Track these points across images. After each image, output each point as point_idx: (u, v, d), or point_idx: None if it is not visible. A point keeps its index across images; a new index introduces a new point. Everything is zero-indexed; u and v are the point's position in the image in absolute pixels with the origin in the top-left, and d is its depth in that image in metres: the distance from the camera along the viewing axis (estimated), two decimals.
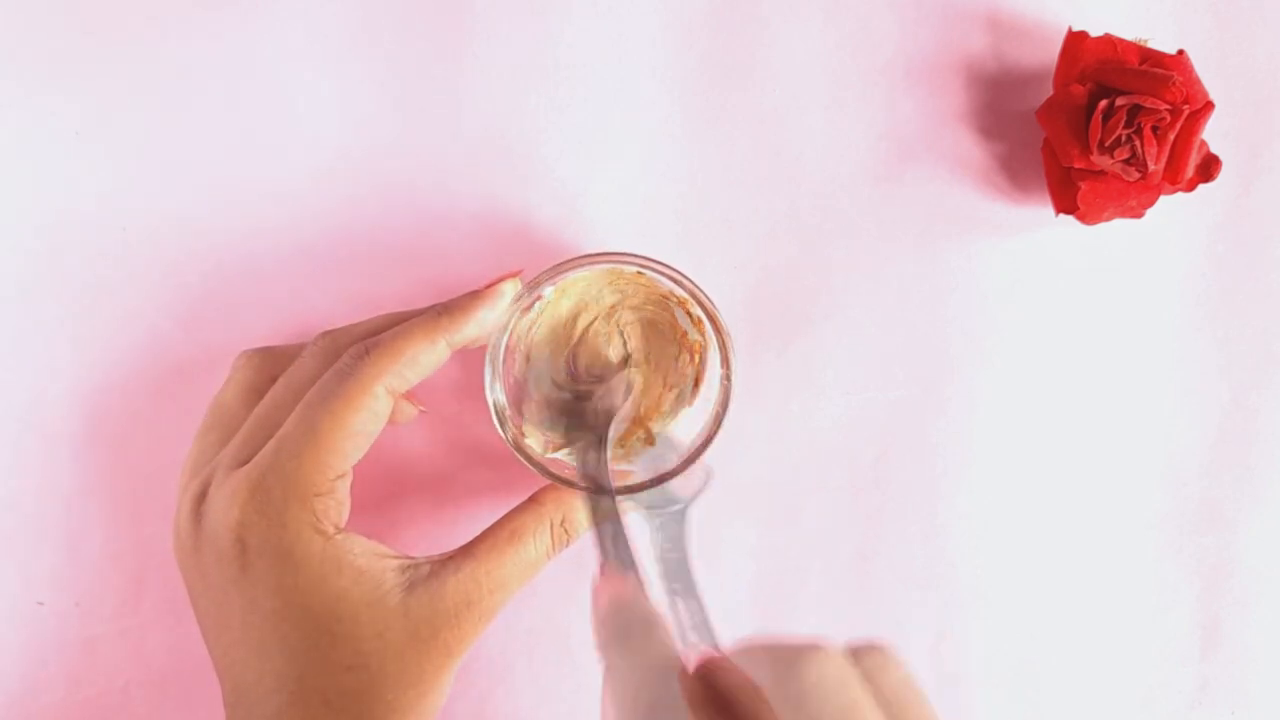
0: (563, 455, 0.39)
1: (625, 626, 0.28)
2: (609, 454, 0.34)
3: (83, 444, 0.41)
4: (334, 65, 0.42)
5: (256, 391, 0.36)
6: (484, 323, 0.35)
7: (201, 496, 0.34)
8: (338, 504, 0.33)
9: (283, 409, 0.34)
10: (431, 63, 0.42)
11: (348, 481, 0.34)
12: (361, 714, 0.32)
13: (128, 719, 0.42)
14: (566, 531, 0.36)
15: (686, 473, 0.35)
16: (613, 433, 0.35)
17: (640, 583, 0.30)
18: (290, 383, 0.35)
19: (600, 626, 0.29)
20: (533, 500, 0.36)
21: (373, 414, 0.33)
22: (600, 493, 0.34)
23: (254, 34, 0.42)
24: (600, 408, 0.35)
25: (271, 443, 0.33)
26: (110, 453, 0.42)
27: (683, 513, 0.34)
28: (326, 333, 0.37)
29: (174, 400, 0.41)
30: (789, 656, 0.23)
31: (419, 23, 0.42)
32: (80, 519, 0.41)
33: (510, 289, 0.36)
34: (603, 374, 0.38)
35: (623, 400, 0.36)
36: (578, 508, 0.36)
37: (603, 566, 0.32)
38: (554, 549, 0.36)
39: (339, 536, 0.33)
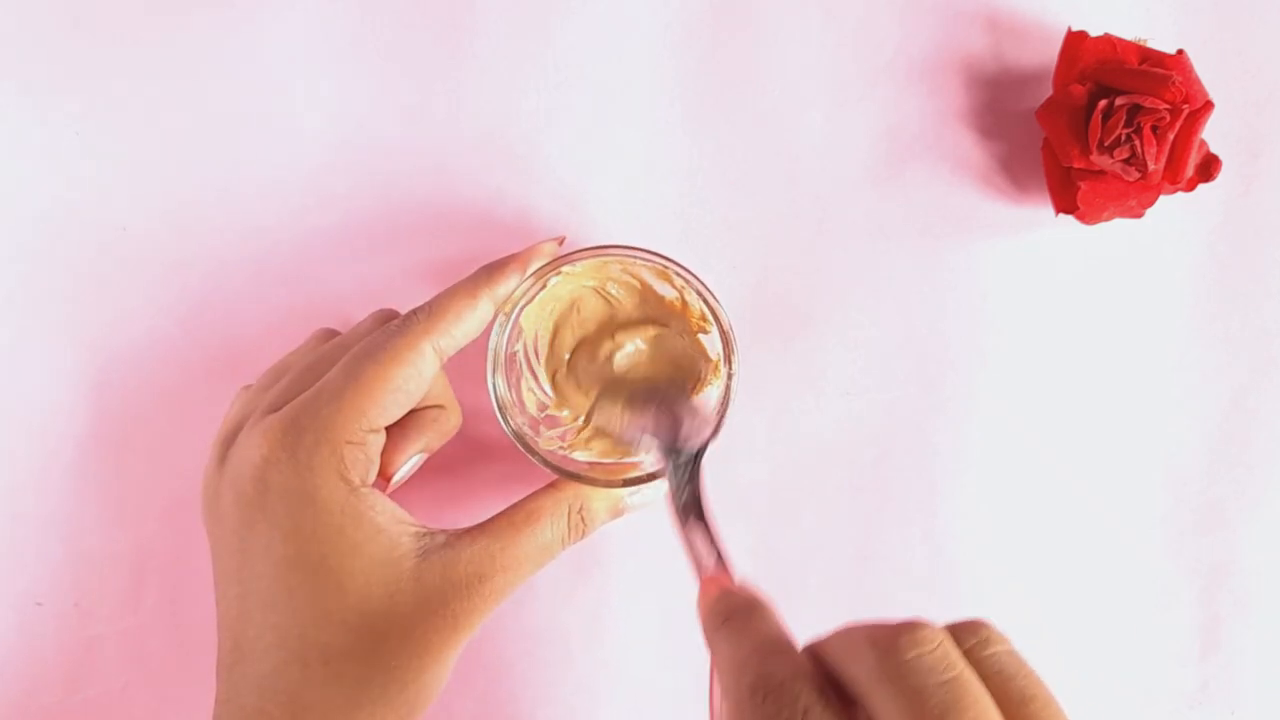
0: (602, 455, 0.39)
1: (728, 611, 0.28)
2: (701, 475, 0.35)
3: (83, 444, 0.41)
4: (334, 65, 0.42)
5: None
6: (517, 282, 0.36)
7: (230, 440, 0.34)
8: (366, 459, 0.33)
9: (328, 362, 0.34)
10: (432, 63, 0.42)
11: (380, 440, 0.34)
12: (360, 678, 0.31)
13: (127, 719, 0.42)
14: (583, 520, 0.36)
15: (698, 422, 0.36)
16: (706, 457, 0.35)
17: (742, 578, 0.30)
18: (342, 341, 0.36)
19: (707, 617, 0.29)
20: (552, 486, 0.36)
21: (417, 371, 0.33)
22: (692, 508, 0.34)
23: (254, 34, 0.42)
24: (692, 431, 0.36)
25: (312, 389, 0.33)
26: (110, 453, 0.42)
27: (695, 458, 0.35)
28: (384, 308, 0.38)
29: (173, 400, 0.41)
30: (888, 634, 0.23)
31: (419, 23, 0.42)
32: (80, 519, 0.41)
33: (550, 250, 0.37)
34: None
35: (712, 428, 0.36)
36: (596, 498, 0.36)
37: (701, 574, 0.32)
38: (570, 536, 0.35)
39: (363, 490, 0.32)
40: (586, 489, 0.36)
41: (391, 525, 0.33)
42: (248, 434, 0.33)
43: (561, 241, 0.38)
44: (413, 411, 0.36)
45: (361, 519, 0.32)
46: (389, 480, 0.36)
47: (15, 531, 0.41)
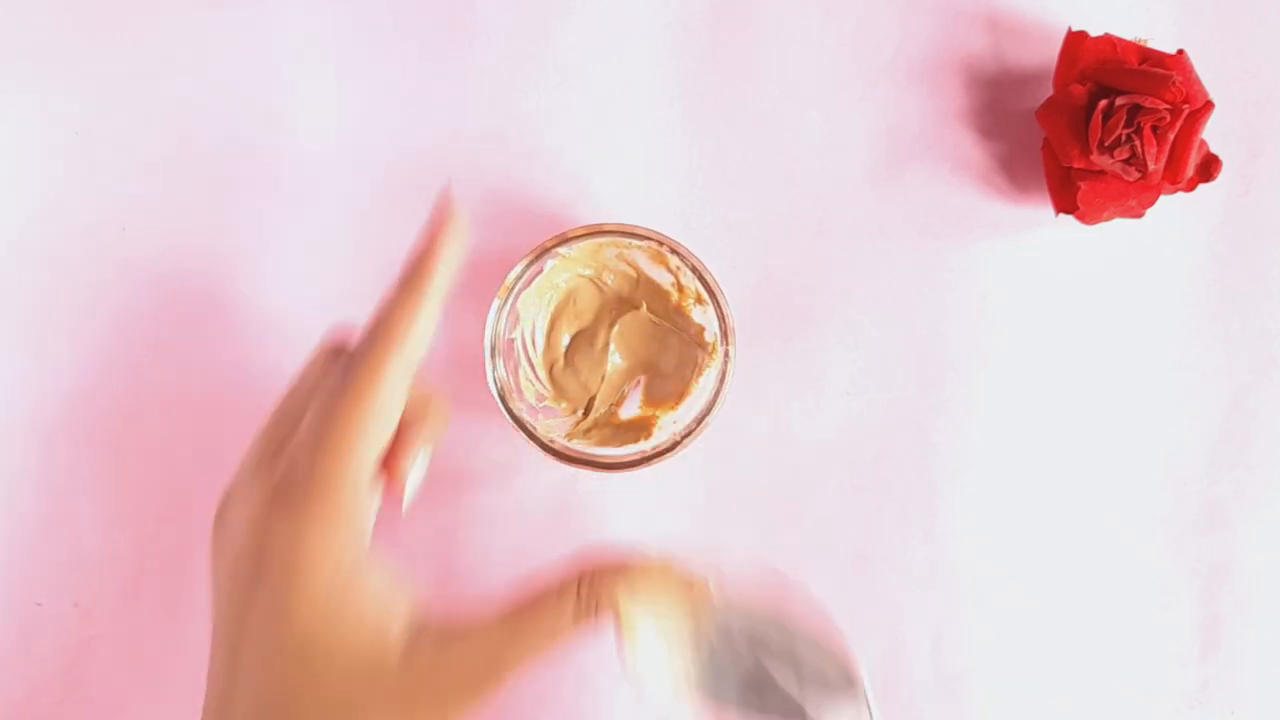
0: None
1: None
2: None
3: (83, 444, 0.41)
4: (335, 66, 0.42)
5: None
6: (451, 261, 0.33)
7: (226, 505, 0.33)
8: (364, 512, 0.31)
9: (296, 416, 0.32)
10: (432, 63, 0.42)
11: (377, 487, 0.32)
12: None
13: (127, 719, 0.42)
14: (597, 604, 0.31)
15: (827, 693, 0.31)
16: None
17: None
18: (303, 389, 0.34)
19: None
20: (558, 574, 0.32)
21: (391, 398, 0.31)
22: None
23: (255, 34, 0.42)
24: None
25: (290, 447, 0.32)
26: (110, 453, 0.42)
27: None
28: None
29: (173, 400, 0.41)
30: None
31: (419, 23, 0.42)
32: (80, 519, 0.41)
33: (459, 224, 0.34)
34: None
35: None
36: (609, 574, 0.31)
37: None
38: (581, 617, 0.31)
39: (359, 564, 0.31)
40: (603, 570, 0.31)
41: (378, 617, 0.30)
42: (237, 505, 0.32)
43: (448, 184, 0.35)
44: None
45: (346, 609, 0.30)
46: (403, 487, 0.34)
47: (15, 531, 0.41)
